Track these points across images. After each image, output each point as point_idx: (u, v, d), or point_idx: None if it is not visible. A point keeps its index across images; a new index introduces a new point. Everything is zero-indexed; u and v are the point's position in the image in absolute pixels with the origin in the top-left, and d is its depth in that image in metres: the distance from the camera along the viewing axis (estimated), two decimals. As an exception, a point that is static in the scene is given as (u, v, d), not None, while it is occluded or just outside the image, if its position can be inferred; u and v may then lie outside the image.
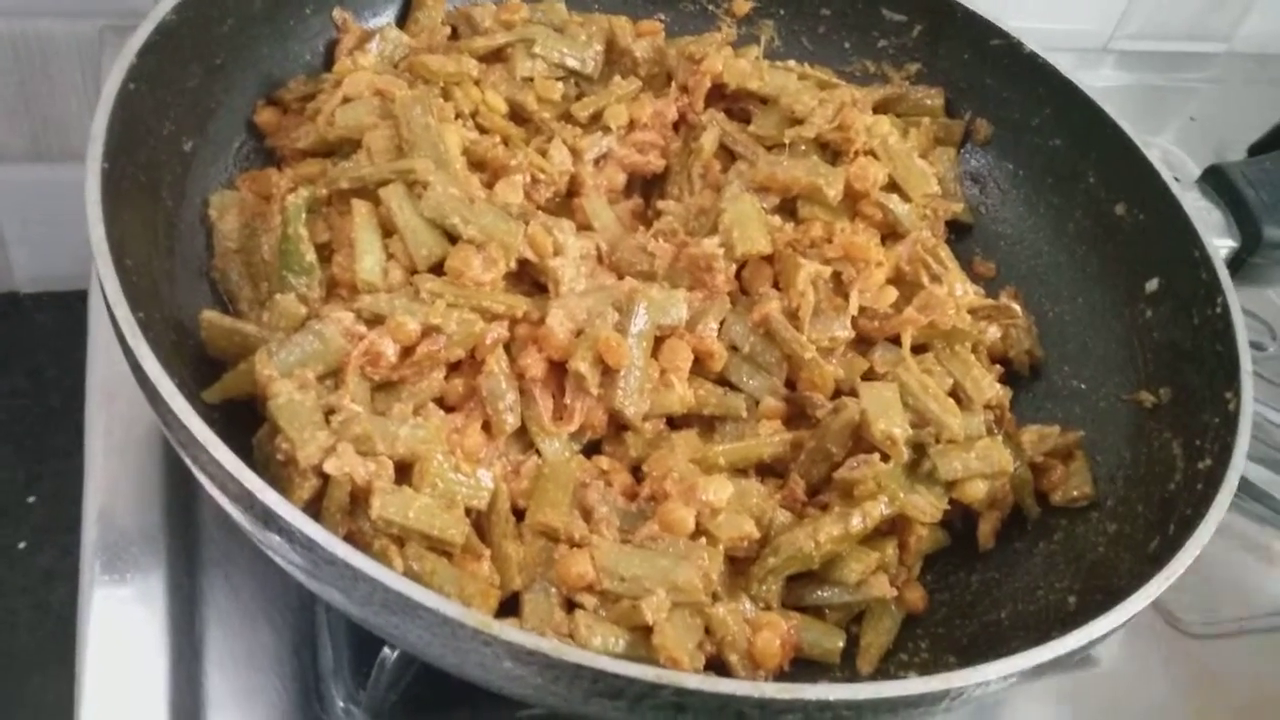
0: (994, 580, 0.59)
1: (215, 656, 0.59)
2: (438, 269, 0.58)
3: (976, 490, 0.58)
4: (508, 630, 0.41)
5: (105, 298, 0.49)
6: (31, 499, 0.96)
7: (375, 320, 0.55)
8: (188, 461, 0.49)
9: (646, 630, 0.50)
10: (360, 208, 0.59)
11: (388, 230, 0.59)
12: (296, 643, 0.60)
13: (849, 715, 0.42)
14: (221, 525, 0.63)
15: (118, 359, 0.50)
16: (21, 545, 0.94)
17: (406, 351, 0.55)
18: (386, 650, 0.53)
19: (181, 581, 0.62)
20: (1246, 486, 0.81)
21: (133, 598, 0.61)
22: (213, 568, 0.63)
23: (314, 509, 0.52)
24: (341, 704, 0.56)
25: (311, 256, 0.58)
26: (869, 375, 0.62)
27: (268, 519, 0.44)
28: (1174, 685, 0.69)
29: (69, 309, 0.75)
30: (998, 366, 0.66)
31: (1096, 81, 1.10)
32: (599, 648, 0.49)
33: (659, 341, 0.59)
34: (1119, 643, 0.70)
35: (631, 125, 0.70)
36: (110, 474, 0.65)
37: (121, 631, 0.59)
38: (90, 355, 0.71)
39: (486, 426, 0.57)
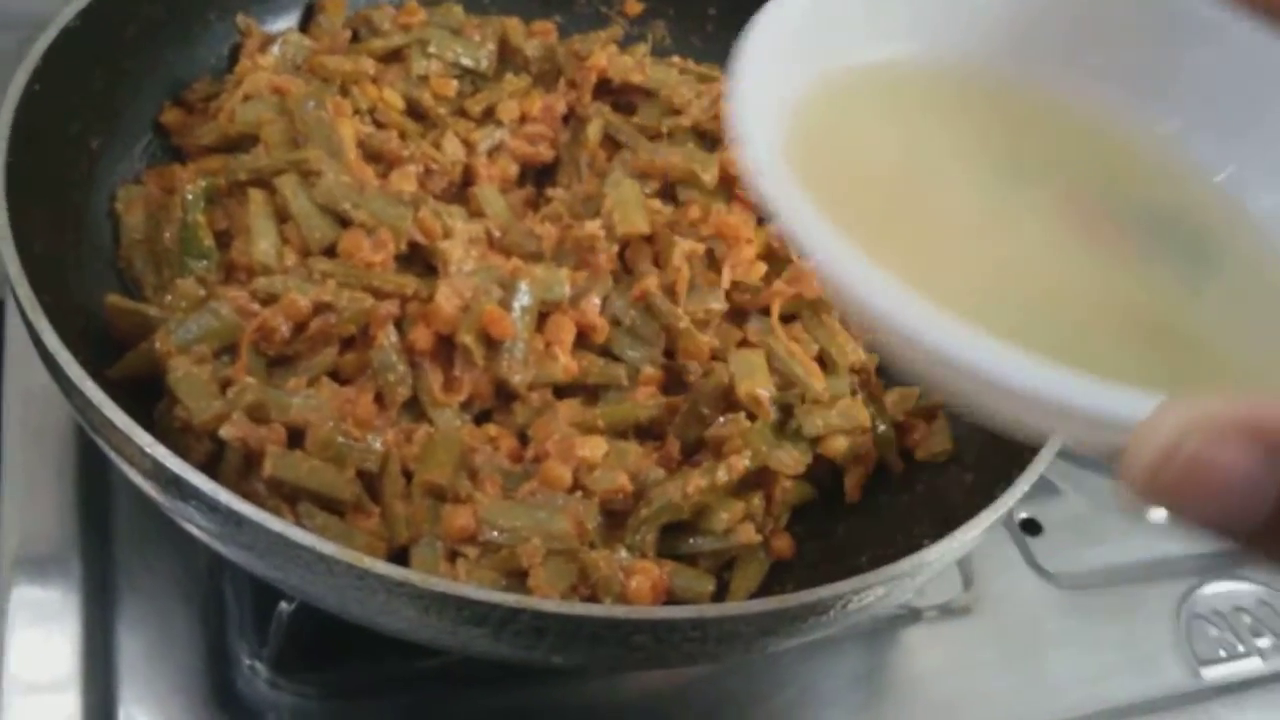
0: (859, 529, 0.64)
1: (129, 629, 0.62)
2: (331, 252, 0.62)
3: (838, 446, 0.63)
4: (378, 564, 0.44)
5: (10, 281, 0.53)
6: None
7: (270, 299, 0.59)
8: (88, 430, 0.52)
9: (523, 575, 0.54)
10: (256, 196, 0.63)
11: (283, 217, 0.63)
12: (205, 612, 0.63)
13: (695, 635, 0.46)
14: (134, 508, 0.67)
15: (34, 356, 0.53)
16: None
17: (300, 327, 0.59)
18: (283, 604, 0.56)
19: (96, 564, 0.65)
20: (1123, 451, 0.86)
21: (49, 579, 0.64)
22: (126, 550, 0.66)
23: (211, 474, 0.55)
24: (247, 661, 0.60)
25: (209, 242, 0.62)
26: (743, 344, 0.66)
27: (159, 473, 0.47)
28: (1045, 631, 0.74)
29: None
30: (866, 335, 0.71)
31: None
32: (475, 589, 0.52)
33: (544, 316, 0.64)
34: (994, 593, 0.74)
35: (523, 118, 0.75)
36: (27, 463, 0.68)
37: (39, 608, 0.62)
38: (7, 355, 0.74)
39: (379, 398, 0.60)
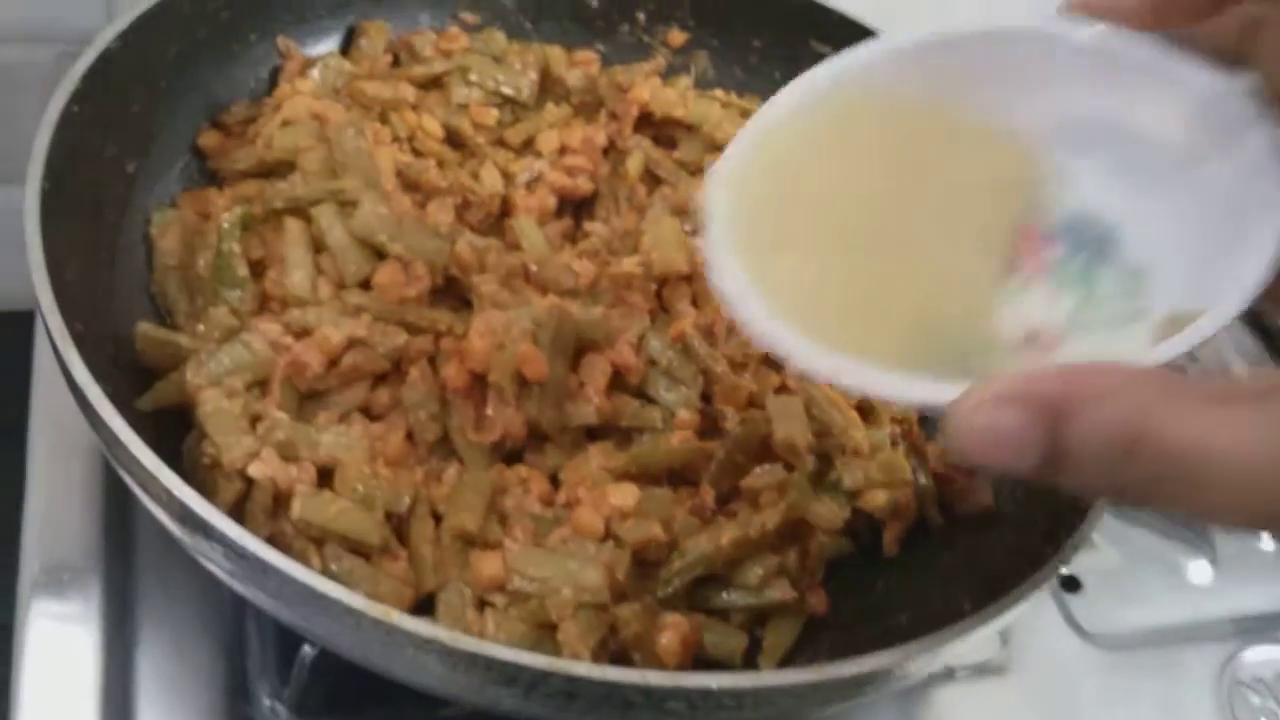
0: (897, 586, 0.62)
1: (148, 660, 0.61)
2: (366, 285, 0.61)
3: (878, 499, 0.61)
4: (406, 620, 0.43)
5: (40, 309, 0.52)
6: (-24, 513, 0.97)
7: (303, 332, 0.58)
8: (115, 464, 0.51)
9: (552, 628, 0.53)
10: (292, 225, 0.62)
11: (319, 247, 0.62)
12: (228, 646, 0.62)
13: (730, 704, 0.45)
14: (158, 535, 0.65)
15: (59, 375, 0.52)
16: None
17: (332, 362, 0.58)
18: (306, 648, 0.55)
19: (118, 589, 0.64)
20: (1163, 503, 0.84)
21: (70, 603, 0.63)
22: (149, 576, 0.65)
23: (239, 513, 0.54)
24: (267, 701, 0.58)
25: (244, 271, 0.61)
26: (781, 390, 0.65)
27: (185, 516, 0.46)
28: (1083, 693, 0.72)
29: (20, 328, 0.77)
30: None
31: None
32: (504, 642, 0.51)
33: (578, 355, 0.62)
34: (1030, 652, 0.72)
35: (562, 150, 0.74)
36: (51, 486, 0.68)
37: (57, 637, 0.61)
38: (35, 372, 0.73)
39: (410, 436, 0.59)
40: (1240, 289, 0.37)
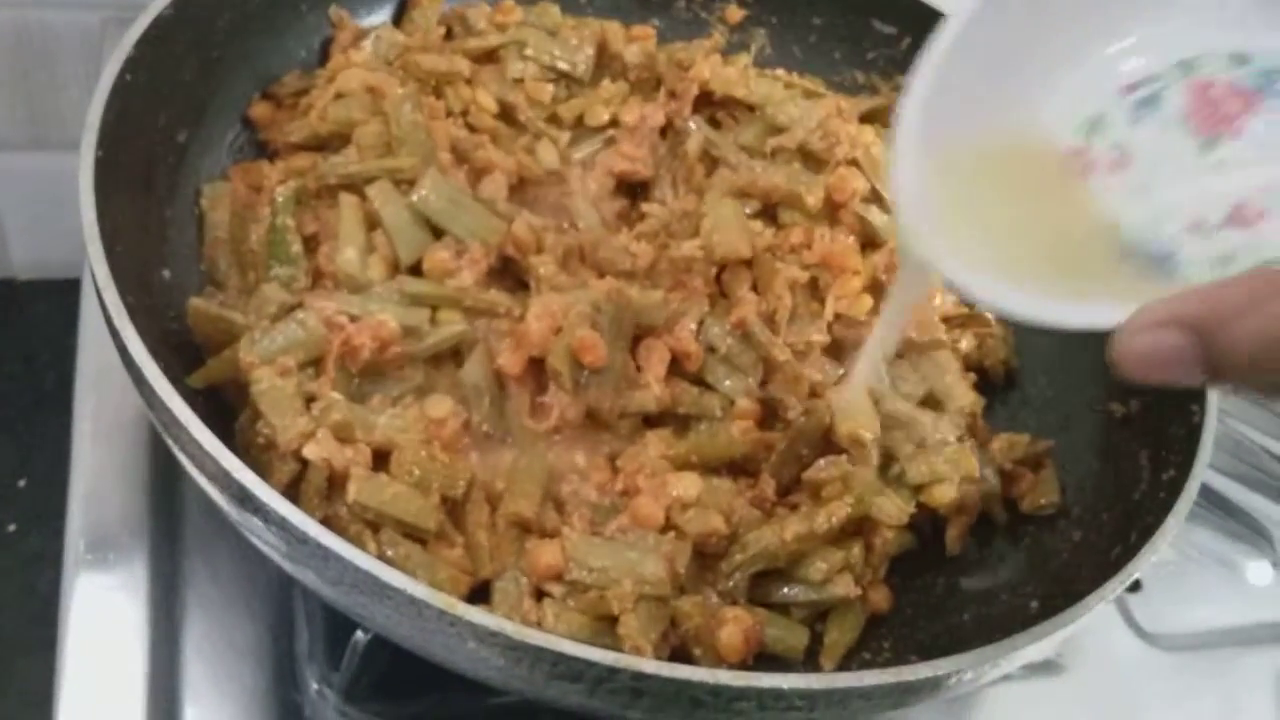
0: (960, 584, 0.60)
1: (194, 639, 0.60)
2: (420, 263, 0.60)
3: (944, 495, 0.59)
4: (471, 611, 0.42)
5: (95, 283, 0.51)
6: (22, 482, 0.97)
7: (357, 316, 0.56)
8: (170, 443, 0.50)
9: (612, 620, 0.51)
10: (348, 201, 0.60)
11: (372, 224, 0.60)
12: (274, 627, 0.61)
13: (802, 705, 0.43)
14: (204, 511, 0.64)
15: (107, 346, 0.51)
16: (11, 528, 0.96)
17: (385, 345, 0.56)
18: (359, 634, 0.54)
19: (163, 566, 0.63)
20: (1223, 503, 0.82)
21: (115, 581, 0.62)
22: (194, 553, 0.64)
23: (293, 494, 0.53)
24: (315, 686, 0.57)
25: (298, 247, 0.59)
26: (844, 380, 0.63)
27: (244, 498, 0.45)
28: (1140, 695, 0.70)
29: (64, 296, 0.76)
30: (972, 375, 0.67)
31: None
32: (564, 634, 0.50)
33: (637, 340, 0.61)
34: (1087, 651, 0.71)
35: (614, 123, 0.72)
36: (97, 459, 0.67)
37: (103, 614, 0.60)
38: (81, 342, 0.72)
39: (466, 420, 0.58)
40: None
